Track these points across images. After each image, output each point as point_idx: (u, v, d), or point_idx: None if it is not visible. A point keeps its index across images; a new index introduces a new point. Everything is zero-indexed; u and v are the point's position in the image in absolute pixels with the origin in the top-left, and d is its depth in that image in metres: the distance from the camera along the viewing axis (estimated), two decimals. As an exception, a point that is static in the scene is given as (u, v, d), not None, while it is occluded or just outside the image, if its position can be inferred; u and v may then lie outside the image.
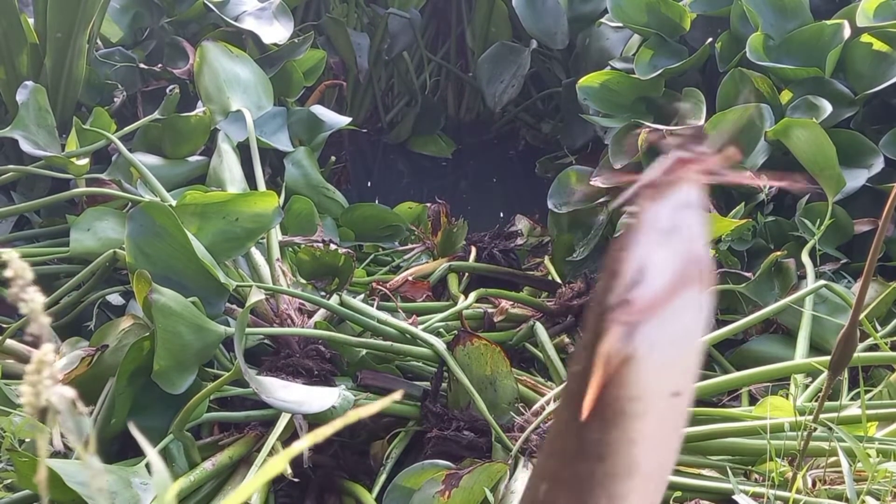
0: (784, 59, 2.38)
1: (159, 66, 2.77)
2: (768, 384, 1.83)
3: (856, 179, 2.17)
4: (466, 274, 2.53)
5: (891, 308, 1.93)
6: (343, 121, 2.73)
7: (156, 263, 1.74)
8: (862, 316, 1.26)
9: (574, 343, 2.32)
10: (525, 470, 1.61)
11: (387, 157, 3.85)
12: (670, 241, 0.54)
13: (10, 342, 1.89)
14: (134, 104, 2.73)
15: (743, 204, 2.14)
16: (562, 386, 0.51)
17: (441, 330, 2.08)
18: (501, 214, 3.16)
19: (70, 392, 0.45)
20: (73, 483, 1.29)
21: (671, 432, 0.56)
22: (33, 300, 0.45)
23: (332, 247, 2.08)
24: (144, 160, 2.33)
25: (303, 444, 0.46)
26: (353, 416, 0.47)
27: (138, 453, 1.58)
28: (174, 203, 1.94)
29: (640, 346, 0.54)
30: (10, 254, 0.45)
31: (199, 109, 2.48)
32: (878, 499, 1.32)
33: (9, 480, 1.51)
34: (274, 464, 0.45)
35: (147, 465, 1.51)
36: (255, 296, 1.71)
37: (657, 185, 0.55)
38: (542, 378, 2.09)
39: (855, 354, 1.23)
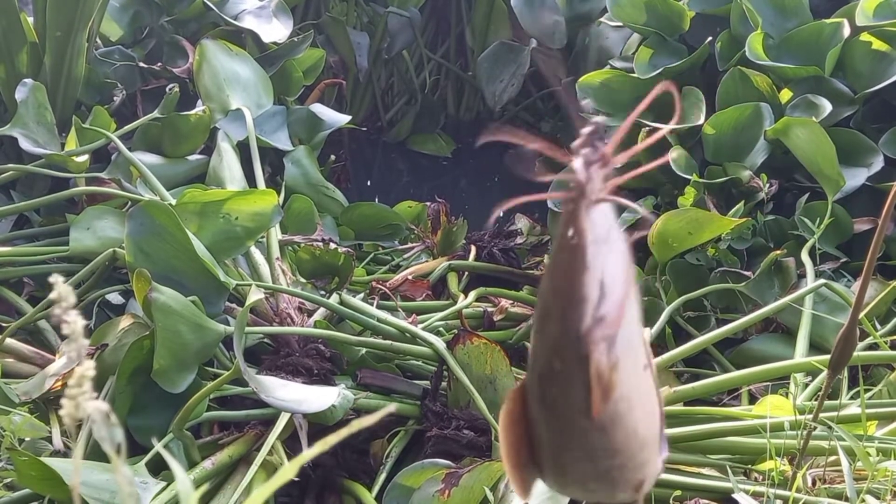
0: (784, 57, 2.38)
1: (159, 64, 2.77)
2: (768, 383, 1.83)
3: (855, 178, 2.17)
4: (466, 273, 2.52)
5: (890, 307, 1.92)
6: (342, 119, 2.72)
7: (155, 262, 1.74)
8: (862, 315, 1.26)
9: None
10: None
11: (386, 156, 3.84)
12: (611, 248, 0.57)
13: (9, 341, 1.89)
14: (133, 103, 2.73)
15: (742, 203, 2.14)
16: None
17: (441, 329, 2.08)
18: (501, 213, 3.15)
19: (105, 406, 0.49)
20: (72, 482, 1.29)
21: (651, 399, 0.61)
22: (75, 322, 0.49)
23: (332, 246, 2.08)
24: (144, 159, 2.32)
25: (311, 452, 0.47)
26: (356, 425, 0.48)
27: (138, 452, 1.58)
28: (174, 202, 1.94)
29: (620, 353, 0.57)
30: (57, 278, 0.50)
31: (199, 108, 2.48)
32: (878, 497, 1.32)
33: (9, 479, 1.51)
34: (285, 471, 0.47)
35: (147, 465, 1.51)
36: (255, 295, 1.71)
37: (583, 197, 0.56)
38: (542, 377, 2.09)
39: (855, 353, 1.23)
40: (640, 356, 0.59)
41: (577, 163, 0.56)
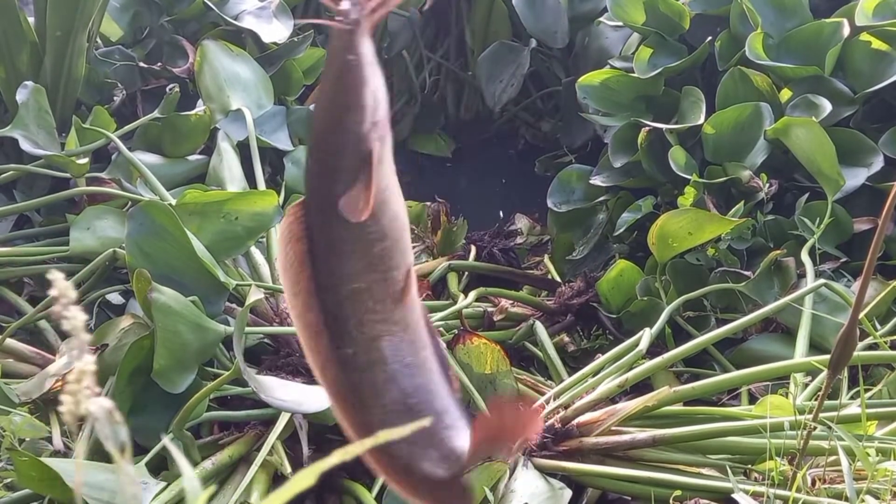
0: (783, 57, 2.38)
1: (159, 64, 2.77)
2: (768, 383, 1.83)
3: (855, 178, 2.17)
4: (466, 273, 2.53)
5: (890, 307, 1.92)
6: (343, 119, 2.72)
7: (156, 262, 1.74)
8: (861, 315, 1.26)
9: (573, 340, 2.32)
10: (525, 469, 1.61)
11: (386, 156, 3.84)
12: (376, 68, 0.75)
13: (9, 341, 1.89)
14: (133, 103, 2.73)
15: (742, 202, 2.14)
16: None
17: (441, 329, 2.08)
18: (501, 213, 3.15)
19: (108, 403, 0.49)
20: (72, 482, 1.29)
21: (399, 191, 0.77)
22: (75, 318, 0.50)
23: (332, 246, 2.07)
24: (144, 159, 2.32)
25: (334, 459, 0.47)
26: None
27: (138, 452, 1.58)
28: (174, 202, 1.94)
29: (385, 151, 0.73)
30: (56, 274, 0.50)
31: (199, 108, 2.47)
32: (877, 497, 1.32)
33: (9, 479, 1.51)
34: (302, 478, 0.47)
35: (147, 465, 1.51)
36: (255, 295, 1.71)
37: (359, 26, 0.73)
38: (542, 377, 2.10)
39: (854, 353, 1.23)
40: (391, 156, 0.75)
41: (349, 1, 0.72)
